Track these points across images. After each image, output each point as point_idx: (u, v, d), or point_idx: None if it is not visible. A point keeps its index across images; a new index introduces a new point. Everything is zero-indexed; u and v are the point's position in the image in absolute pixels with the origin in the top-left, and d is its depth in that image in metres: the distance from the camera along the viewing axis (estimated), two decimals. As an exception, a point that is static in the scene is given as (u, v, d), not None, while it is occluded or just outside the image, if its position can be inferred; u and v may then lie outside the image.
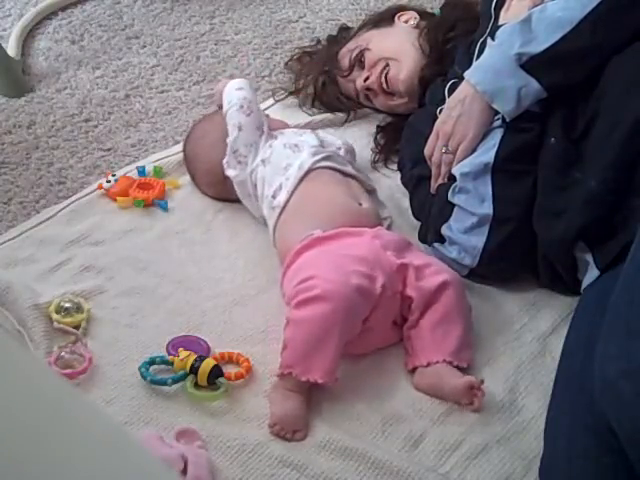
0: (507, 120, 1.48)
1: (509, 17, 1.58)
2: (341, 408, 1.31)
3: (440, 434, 1.28)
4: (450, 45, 1.75)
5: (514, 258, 1.51)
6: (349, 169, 1.60)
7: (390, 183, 1.75)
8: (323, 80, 1.91)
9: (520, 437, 1.29)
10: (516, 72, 1.45)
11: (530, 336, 1.46)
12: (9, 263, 1.55)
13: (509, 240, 1.47)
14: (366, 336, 1.36)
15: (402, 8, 1.96)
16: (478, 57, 1.55)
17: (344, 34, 1.99)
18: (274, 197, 1.54)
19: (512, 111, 1.47)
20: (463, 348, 1.36)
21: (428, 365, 1.34)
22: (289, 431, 1.26)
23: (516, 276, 1.54)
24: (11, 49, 2.11)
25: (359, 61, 1.86)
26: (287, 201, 1.51)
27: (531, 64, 1.45)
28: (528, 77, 1.45)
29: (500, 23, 1.58)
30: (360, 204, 1.52)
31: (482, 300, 1.51)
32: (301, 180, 1.53)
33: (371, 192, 1.64)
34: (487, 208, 1.46)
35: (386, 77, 1.82)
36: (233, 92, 1.65)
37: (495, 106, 1.48)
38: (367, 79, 1.84)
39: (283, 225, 1.51)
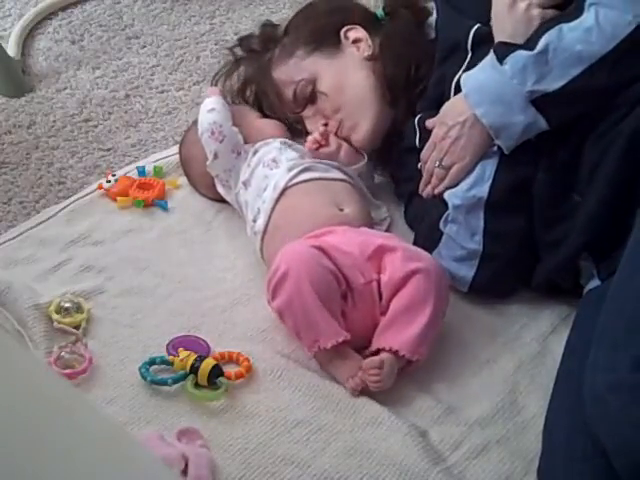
0: (506, 153, 1.43)
1: (508, 29, 1.46)
2: (341, 406, 1.30)
3: (440, 434, 1.28)
4: (419, 88, 1.59)
5: (505, 288, 1.50)
6: (334, 174, 1.55)
7: (391, 184, 1.75)
8: (260, 99, 1.72)
9: (520, 437, 1.29)
10: (526, 109, 1.38)
11: (530, 336, 1.46)
12: (9, 263, 1.55)
13: (498, 275, 1.47)
14: (353, 330, 1.35)
15: (345, 22, 1.67)
16: (455, 93, 1.47)
17: (271, 32, 1.77)
18: (254, 221, 1.52)
19: (512, 146, 1.42)
20: (420, 341, 1.33)
21: (377, 351, 1.33)
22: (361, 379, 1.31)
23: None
24: (11, 49, 2.11)
25: (310, 100, 1.65)
26: (266, 224, 1.49)
27: (543, 102, 1.37)
28: (537, 115, 1.38)
29: (500, 39, 1.45)
30: (342, 209, 1.48)
31: (482, 300, 1.51)
32: (277, 201, 1.50)
33: (365, 194, 1.61)
34: (477, 244, 1.44)
35: (347, 135, 1.63)
36: (204, 115, 1.60)
37: (498, 142, 1.42)
38: (326, 124, 1.63)
39: (267, 248, 1.49)
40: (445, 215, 1.46)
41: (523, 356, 1.42)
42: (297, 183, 1.51)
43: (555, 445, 1.20)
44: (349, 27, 1.66)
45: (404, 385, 1.35)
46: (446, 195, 1.46)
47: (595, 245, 1.38)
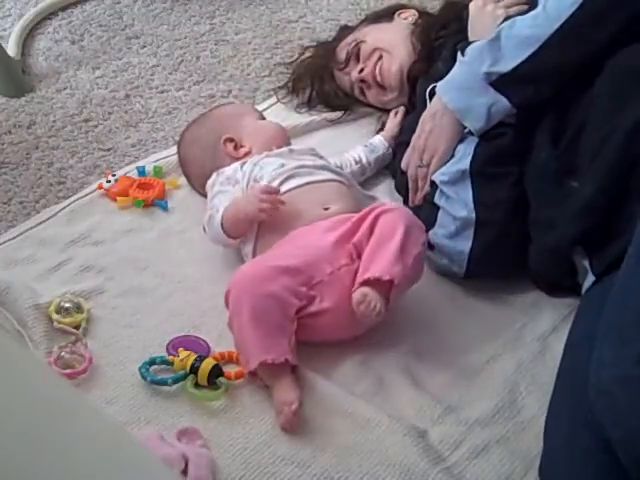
0: (476, 136, 1.50)
1: (478, 30, 1.59)
2: (341, 406, 1.30)
3: (440, 434, 1.28)
4: (438, 43, 1.76)
5: (502, 261, 1.51)
6: (320, 176, 1.53)
7: (390, 183, 1.75)
8: (321, 75, 1.92)
9: (520, 437, 1.29)
10: (486, 90, 1.47)
11: (530, 336, 1.46)
12: (9, 263, 1.55)
13: (495, 243, 1.48)
14: (332, 321, 1.36)
15: (403, 6, 1.97)
16: None
17: (345, 32, 1.99)
18: (243, 244, 1.51)
19: (482, 128, 1.50)
20: (394, 262, 1.33)
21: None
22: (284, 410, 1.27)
23: (510, 276, 1.54)
24: (11, 49, 2.11)
25: (355, 54, 1.87)
26: (254, 246, 1.48)
27: (500, 82, 1.46)
28: (498, 95, 1.47)
29: (471, 39, 1.59)
30: (327, 208, 1.47)
31: (482, 300, 1.51)
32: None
33: (356, 191, 1.60)
34: (469, 212, 1.47)
35: (380, 69, 1.83)
36: (220, 201, 1.53)
37: (466, 124, 1.51)
38: (362, 70, 1.84)
39: None
40: (439, 190, 1.52)
41: (523, 356, 1.42)
42: (279, 195, 1.48)
43: (557, 442, 1.20)
44: (403, 10, 1.94)
45: (404, 385, 1.35)
46: (434, 176, 1.53)
47: (588, 236, 1.38)
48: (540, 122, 1.48)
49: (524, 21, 1.48)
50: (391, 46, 1.83)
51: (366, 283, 1.32)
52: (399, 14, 1.93)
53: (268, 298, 1.31)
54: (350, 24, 2.07)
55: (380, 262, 1.33)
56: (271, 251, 1.42)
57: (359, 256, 1.37)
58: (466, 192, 1.48)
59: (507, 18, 1.55)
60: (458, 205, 1.48)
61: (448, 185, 1.50)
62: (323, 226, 1.43)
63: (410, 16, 1.91)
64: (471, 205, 1.47)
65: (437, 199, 1.52)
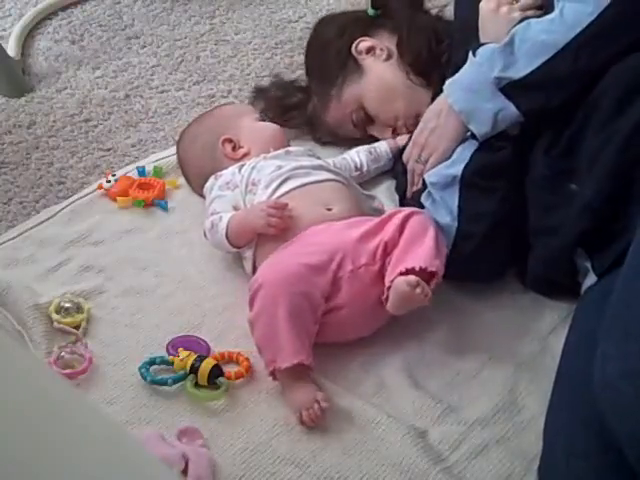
0: (480, 140, 1.47)
1: (491, 32, 1.54)
2: (341, 406, 1.31)
3: (440, 434, 1.28)
4: (444, 59, 1.69)
5: (479, 273, 1.50)
6: (318, 176, 1.52)
7: (390, 184, 1.75)
8: (309, 123, 1.82)
9: (520, 437, 1.29)
10: (494, 95, 1.44)
11: (530, 336, 1.46)
12: (9, 263, 1.55)
13: (472, 256, 1.45)
14: (344, 319, 1.36)
15: (344, 34, 1.78)
16: None
17: (295, 89, 1.86)
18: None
19: (487, 134, 1.46)
20: (434, 254, 1.34)
21: (391, 283, 1.32)
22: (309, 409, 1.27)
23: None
24: (11, 49, 2.12)
25: (368, 122, 1.76)
26: (255, 251, 1.47)
27: (510, 89, 1.43)
28: (506, 101, 1.43)
29: (483, 41, 1.53)
30: (330, 209, 1.46)
31: (481, 300, 1.51)
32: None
33: (357, 191, 1.59)
34: (451, 220, 1.45)
35: (413, 127, 1.72)
36: (220, 206, 1.52)
37: (470, 127, 1.47)
38: (397, 134, 1.75)
39: (260, 263, 1.47)
40: (427, 192, 1.51)
41: (523, 356, 1.42)
42: (278, 197, 1.48)
43: (556, 443, 1.20)
44: (356, 42, 1.76)
45: (404, 385, 1.35)
46: (425, 176, 1.52)
47: (590, 237, 1.38)
48: (539, 127, 1.46)
49: (539, 25, 1.44)
50: (409, 108, 1.71)
51: (410, 273, 1.31)
52: (356, 49, 1.75)
53: (303, 297, 1.31)
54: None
55: (419, 255, 1.33)
56: (288, 249, 1.40)
57: (385, 255, 1.37)
58: (452, 199, 1.46)
59: (522, 20, 1.50)
60: (443, 210, 1.46)
61: (437, 188, 1.48)
62: (339, 225, 1.43)
63: (375, 50, 1.74)
64: (455, 213, 1.45)
65: (424, 199, 1.50)
